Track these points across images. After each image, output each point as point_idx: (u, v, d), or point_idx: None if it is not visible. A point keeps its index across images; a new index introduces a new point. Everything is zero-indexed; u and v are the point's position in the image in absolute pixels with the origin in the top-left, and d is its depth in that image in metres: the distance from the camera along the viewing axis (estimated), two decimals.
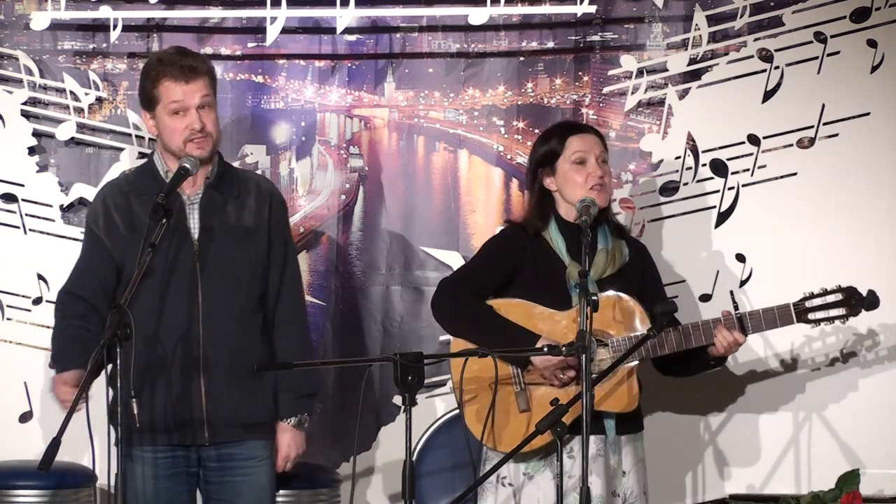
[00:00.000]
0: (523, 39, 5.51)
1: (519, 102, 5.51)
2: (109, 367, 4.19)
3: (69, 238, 5.44)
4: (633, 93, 5.47)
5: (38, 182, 5.45)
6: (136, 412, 4.18)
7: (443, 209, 5.53)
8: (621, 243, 4.78)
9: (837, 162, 5.42)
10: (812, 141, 5.44)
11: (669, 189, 5.49)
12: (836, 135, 5.43)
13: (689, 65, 5.47)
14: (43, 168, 5.46)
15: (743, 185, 5.46)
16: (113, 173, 5.43)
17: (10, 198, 5.44)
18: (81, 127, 5.47)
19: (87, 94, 5.45)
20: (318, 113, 5.54)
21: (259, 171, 5.40)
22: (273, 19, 5.39)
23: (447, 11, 5.45)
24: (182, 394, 4.58)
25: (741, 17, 5.44)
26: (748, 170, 5.46)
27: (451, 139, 5.54)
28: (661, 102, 5.48)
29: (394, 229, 5.53)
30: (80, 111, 5.46)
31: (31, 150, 5.45)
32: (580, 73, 5.50)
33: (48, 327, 5.36)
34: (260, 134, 5.51)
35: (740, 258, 5.44)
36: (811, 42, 5.43)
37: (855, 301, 4.72)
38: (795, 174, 5.45)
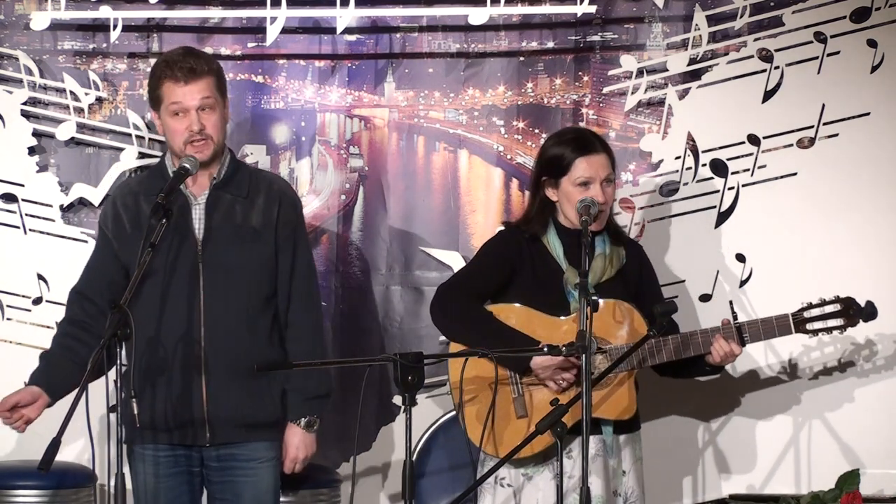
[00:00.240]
0: (523, 39, 5.51)
1: (519, 102, 5.51)
2: (110, 366, 4.19)
3: (69, 238, 5.44)
4: (633, 93, 5.47)
5: (38, 182, 5.45)
6: (136, 412, 4.19)
7: (443, 209, 5.53)
8: (619, 249, 4.78)
9: (837, 162, 5.42)
10: (812, 141, 5.44)
11: (669, 189, 5.49)
12: (836, 135, 5.43)
13: (689, 65, 5.46)
14: (43, 168, 5.46)
15: (743, 185, 5.46)
16: (113, 173, 5.44)
17: (10, 198, 5.44)
18: (81, 127, 5.47)
19: (87, 94, 5.45)
20: (318, 113, 5.54)
21: None
22: (273, 19, 5.39)
23: (447, 11, 5.45)
24: (183, 394, 4.59)
25: (741, 17, 5.44)
26: (748, 170, 5.46)
27: (451, 139, 5.54)
28: (661, 102, 5.48)
29: (394, 229, 5.53)
30: (80, 111, 5.46)
31: (31, 150, 5.45)
32: (580, 73, 5.50)
33: (48, 327, 5.37)
34: (260, 134, 5.51)
35: (740, 258, 5.44)
36: (811, 42, 5.43)
37: (853, 311, 4.73)
38: (795, 174, 5.45)
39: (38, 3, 5.44)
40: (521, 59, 5.51)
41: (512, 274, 4.73)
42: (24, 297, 5.44)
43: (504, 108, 5.52)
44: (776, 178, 5.45)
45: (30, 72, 5.43)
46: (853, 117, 5.42)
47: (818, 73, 5.43)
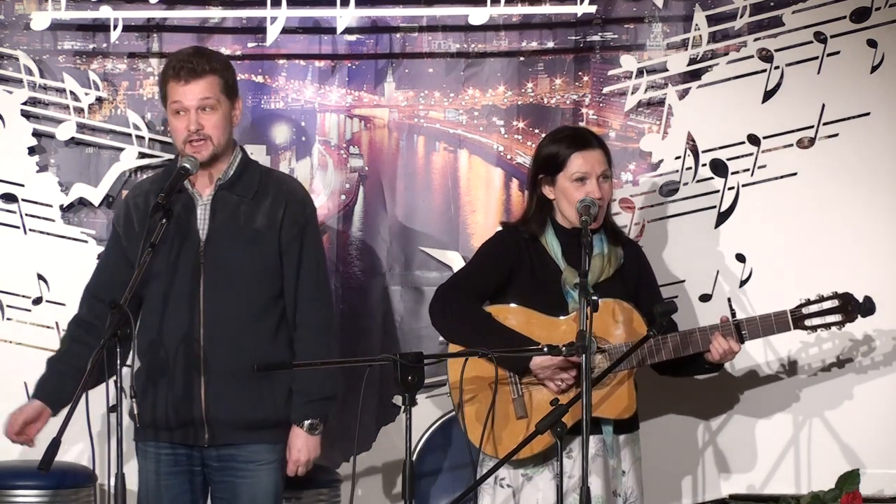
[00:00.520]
0: (523, 39, 5.51)
1: (519, 102, 5.51)
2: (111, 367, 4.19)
3: (69, 238, 5.44)
4: (633, 93, 5.47)
5: (38, 182, 5.45)
6: (136, 412, 4.19)
7: (443, 209, 5.53)
8: (617, 249, 4.78)
9: (837, 162, 5.42)
10: (812, 141, 5.44)
11: (669, 189, 5.49)
12: (836, 135, 5.43)
13: (689, 65, 5.46)
14: (43, 168, 5.46)
15: (743, 185, 5.45)
16: (113, 173, 5.44)
17: (10, 198, 5.44)
18: (81, 127, 5.47)
19: (87, 94, 5.45)
20: (318, 113, 5.54)
21: None
22: (273, 19, 5.39)
23: (447, 11, 5.45)
24: (183, 394, 4.59)
25: (741, 17, 5.44)
26: (748, 170, 5.46)
27: (451, 139, 5.54)
28: (661, 102, 5.48)
29: (394, 229, 5.53)
30: (80, 111, 5.46)
31: (31, 150, 5.45)
32: (580, 73, 5.50)
33: (48, 327, 5.38)
34: (260, 134, 5.51)
35: (740, 258, 5.44)
36: (811, 42, 5.43)
37: (851, 307, 4.74)
38: (795, 174, 5.45)
39: (38, 3, 5.44)
40: (521, 59, 5.51)
41: (510, 274, 4.73)
42: (24, 297, 5.44)
43: (504, 108, 5.52)
44: (776, 178, 5.45)
45: (30, 72, 5.43)
46: (853, 117, 5.42)
47: (818, 73, 5.43)
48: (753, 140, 5.45)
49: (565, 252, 4.71)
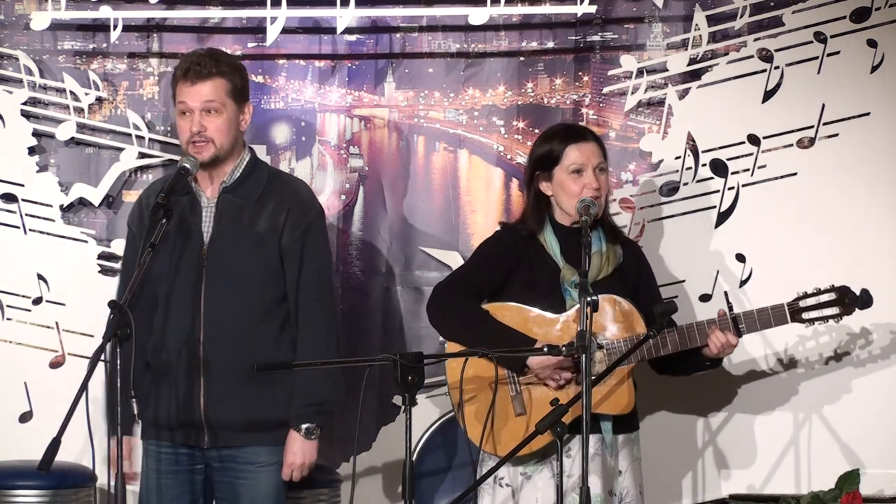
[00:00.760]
0: (523, 39, 5.51)
1: (519, 102, 5.51)
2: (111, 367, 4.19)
3: (69, 238, 5.44)
4: (633, 93, 5.47)
5: (38, 182, 5.45)
6: (135, 412, 4.19)
7: (443, 209, 5.53)
8: (615, 247, 4.78)
9: (837, 162, 5.41)
10: (812, 141, 5.44)
11: (669, 189, 5.49)
12: (836, 135, 5.43)
13: (689, 65, 5.46)
14: (43, 168, 5.46)
15: (743, 185, 5.45)
16: (113, 173, 5.44)
17: (10, 198, 5.44)
18: (81, 127, 5.47)
19: (87, 94, 5.45)
20: (318, 113, 5.54)
21: None
22: (273, 19, 5.39)
23: (447, 11, 5.45)
24: (184, 395, 4.59)
25: (741, 17, 5.44)
26: (748, 170, 5.46)
27: (451, 139, 5.54)
28: (661, 102, 5.48)
29: (394, 229, 5.52)
30: (80, 111, 5.46)
31: (31, 150, 5.45)
32: (580, 73, 5.50)
33: (48, 327, 5.37)
34: (260, 134, 5.51)
35: (740, 258, 5.44)
36: (811, 42, 5.43)
37: (848, 300, 4.73)
38: (795, 174, 5.45)
39: (38, 3, 5.44)
40: (521, 59, 5.51)
41: (508, 273, 4.73)
42: (24, 297, 5.44)
43: (504, 108, 5.52)
44: (776, 178, 5.45)
45: (30, 72, 5.43)
46: (853, 117, 5.42)
47: (818, 73, 5.43)
48: (753, 140, 5.45)
49: (564, 250, 4.71)
